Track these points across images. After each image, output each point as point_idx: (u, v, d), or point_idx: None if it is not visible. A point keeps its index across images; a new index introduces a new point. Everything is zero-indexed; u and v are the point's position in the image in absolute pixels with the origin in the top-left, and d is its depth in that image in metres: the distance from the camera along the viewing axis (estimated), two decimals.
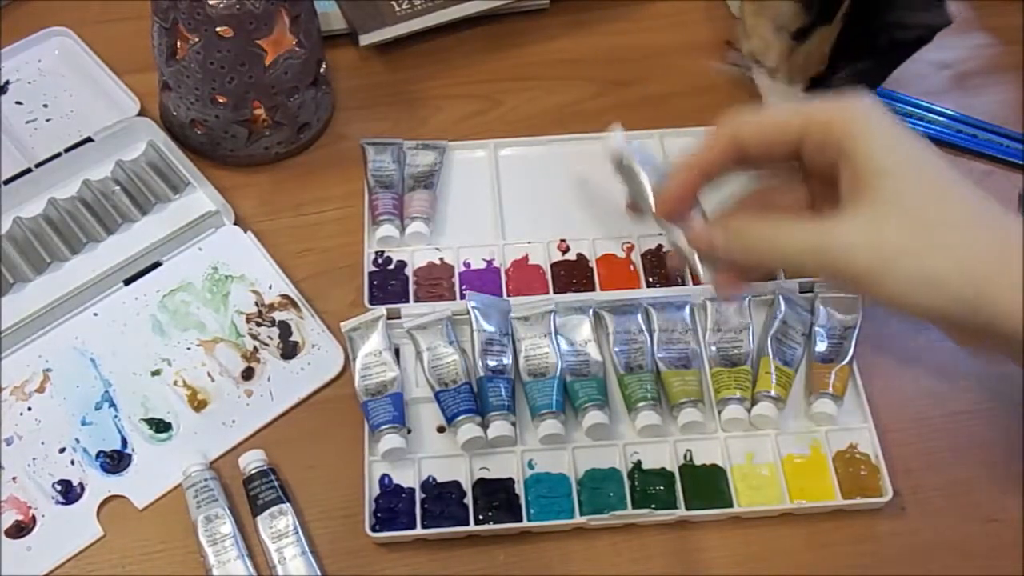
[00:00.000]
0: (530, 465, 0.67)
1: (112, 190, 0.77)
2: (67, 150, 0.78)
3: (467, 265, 0.75)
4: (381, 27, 0.84)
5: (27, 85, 0.83)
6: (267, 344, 0.71)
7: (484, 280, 0.74)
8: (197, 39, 0.71)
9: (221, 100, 0.75)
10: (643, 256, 0.75)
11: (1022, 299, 0.50)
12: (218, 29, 0.70)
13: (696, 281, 0.72)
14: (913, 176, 0.52)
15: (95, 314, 0.72)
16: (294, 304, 0.73)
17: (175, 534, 0.64)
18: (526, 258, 0.75)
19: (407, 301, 0.72)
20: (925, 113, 0.83)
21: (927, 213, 0.52)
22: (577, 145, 0.80)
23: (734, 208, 0.59)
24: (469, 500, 0.65)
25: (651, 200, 0.58)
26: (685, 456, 0.67)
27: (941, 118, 0.83)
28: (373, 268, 0.74)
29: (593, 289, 0.73)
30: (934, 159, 0.53)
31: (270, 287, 0.74)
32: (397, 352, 0.70)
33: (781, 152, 0.55)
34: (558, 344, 0.69)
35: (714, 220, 0.58)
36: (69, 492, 0.66)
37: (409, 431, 0.67)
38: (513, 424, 0.66)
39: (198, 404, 0.69)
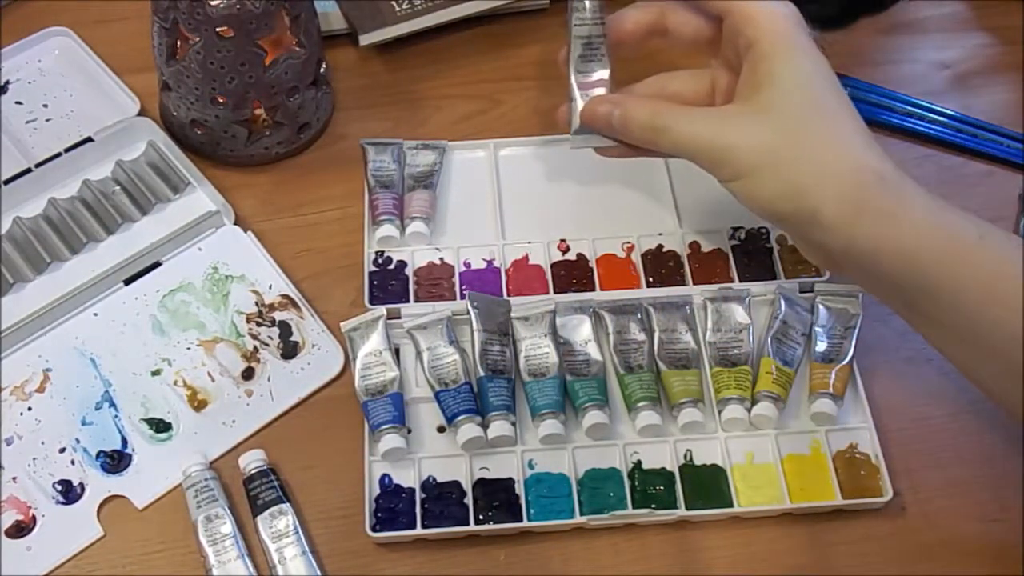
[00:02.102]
0: (530, 465, 0.67)
1: (112, 190, 0.77)
2: (67, 150, 0.78)
3: (467, 265, 0.75)
4: (381, 27, 0.84)
5: (27, 85, 0.83)
6: (267, 344, 0.71)
7: (484, 280, 0.74)
8: (197, 39, 0.71)
9: (221, 100, 0.75)
10: (643, 256, 0.75)
11: (848, 219, 0.56)
12: (218, 29, 0.70)
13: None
14: (800, 90, 0.56)
15: (95, 314, 0.72)
16: (294, 304, 0.73)
17: (175, 534, 0.64)
18: (526, 258, 0.75)
19: (407, 301, 0.72)
20: (925, 113, 0.83)
21: (804, 127, 0.56)
22: None
23: (635, 88, 0.64)
24: (469, 500, 0.65)
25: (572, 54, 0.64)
26: (685, 456, 0.67)
27: (941, 118, 0.83)
28: (373, 268, 0.74)
29: (593, 289, 0.73)
30: (824, 81, 0.57)
31: (270, 287, 0.74)
32: (397, 352, 0.70)
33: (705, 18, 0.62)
34: (558, 344, 0.69)
35: (611, 96, 0.63)
36: (69, 492, 0.66)
37: (409, 431, 0.67)
38: (513, 424, 0.66)
39: (198, 404, 0.69)
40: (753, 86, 0.58)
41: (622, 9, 0.65)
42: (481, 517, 0.64)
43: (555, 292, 0.73)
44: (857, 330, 0.70)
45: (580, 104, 0.65)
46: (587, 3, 0.65)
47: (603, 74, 0.66)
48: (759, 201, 0.58)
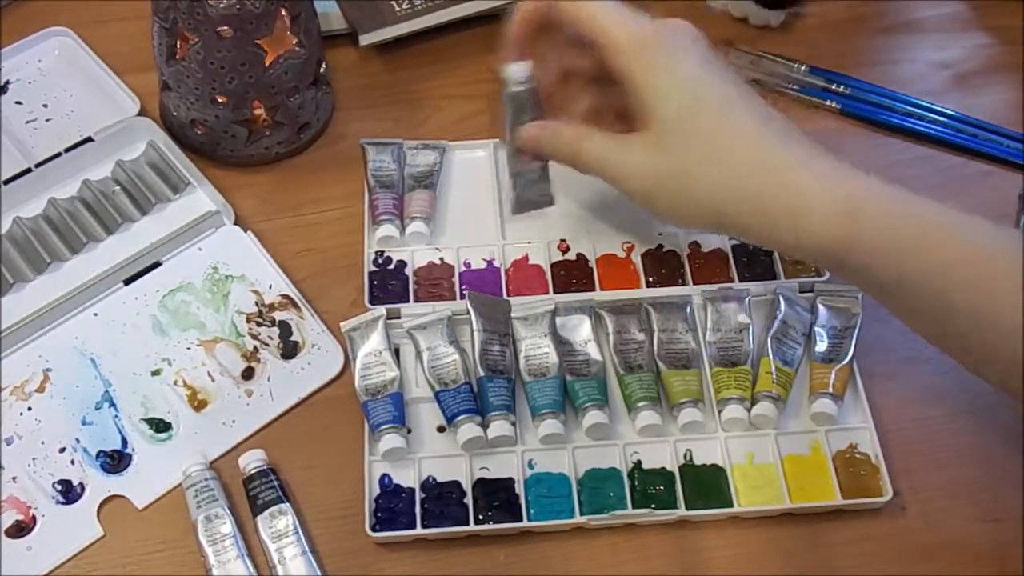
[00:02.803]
0: (530, 465, 0.67)
1: (112, 190, 0.77)
2: (67, 150, 0.78)
3: (467, 265, 0.75)
4: (381, 27, 0.84)
5: (27, 85, 0.83)
6: (267, 344, 0.71)
7: (484, 280, 0.74)
8: (197, 39, 0.71)
9: (221, 100, 0.75)
10: (643, 256, 0.75)
11: (759, 223, 0.57)
12: (218, 29, 0.70)
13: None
14: (679, 106, 0.57)
15: (95, 314, 0.72)
16: (294, 304, 0.73)
17: (175, 534, 0.64)
18: (526, 258, 0.75)
19: (407, 301, 0.72)
20: (925, 113, 0.83)
21: (689, 148, 0.57)
22: None
23: (569, 106, 0.65)
24: (469, 500, 0.65)
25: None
26: (685, 456, 0.67)
27: (941, 118, 0.83)
28: (373, 268, 0.74)
29: (593, 289, 0.73)
30: (706, 90, 0.58)
31: (270, 287, 0.74)
32: (397, 352, 0.70)
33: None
34: (558, 344, 0.69)
35: (542, 122, 0.65)
36: (69, 492, 0.66)
37: (409, 431, 0.67)
38: (513, 424, 0.66)
39: (198, 404, 0.69)
40: (637, 114, 0.59)
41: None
42: (481, 517, 0.64)
43: (555, 292, 0.73)
44: (857, 330, 0.70)
45: (512, 193, 0.70)
46: (513, 70, 0.65)
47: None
48: (674, 221, 0.61)
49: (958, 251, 0.54)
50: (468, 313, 0.70)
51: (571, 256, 0.75)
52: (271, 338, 0.72)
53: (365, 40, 0.83)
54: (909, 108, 0.83)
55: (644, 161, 0.59)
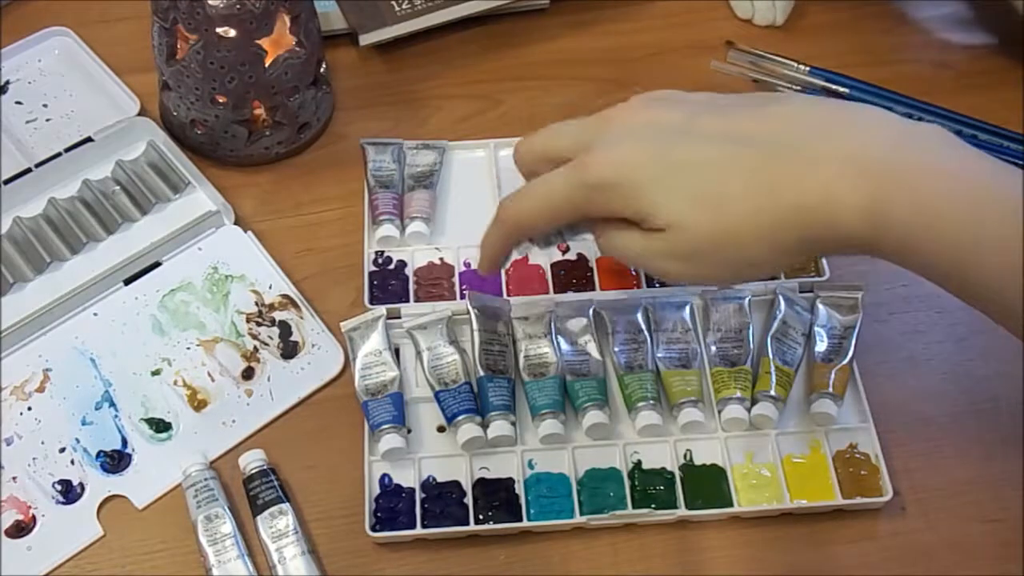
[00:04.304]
0: (530, 465, 0.67)
1: (112, 190, 0.77)
2: (67, 150, 0.78)
3: (467, 265, 0.75)
4: (381, 27, 0.84)
5: (27, 85, 0.83)
6: (267, 344, 0.71)
7: (484, 280, 0.74)
8: (197, 39, 0.71)
9: (221, 100, 0.75)
10: None
11: None
12: (218, 29, 0.70)
13: None
14: (693, 224, 0.54)
15: (95, 314, 0.72)
16: (294, 304, 0.73)
17: (175, 534, 0.64)
18: (526, 258, 0.75)
19: (407, 301, 0.72)
20: (925, 114, 0.83)
21: (714, 250, 0.55)
22: None
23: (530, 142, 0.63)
24: (469, 500, 0.65)
25: None
26: (685, 456, 0.67)
27: (941, 119, 0.82)
28: (373, 268, 0.74)
29: (593, 289, 0.73)
30: (674, 158, 0.54)
31: (270, 287, 0.74)
32: (397, 352, 0.70)
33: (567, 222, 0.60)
34: (558, 344, 0.69)
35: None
36: (69, 492, 0.66)
37: (409, 431, 0.67)
38: (513, 424, 0.66)
39: (198, 404, 0.69)
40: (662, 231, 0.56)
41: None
42: (481, 517, 0.64)
43: (555, 292, 0.73)
44: (857, 330, 0.70)
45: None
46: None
47: None
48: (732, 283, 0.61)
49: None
50: (468, 313, 0.70)
51: (571, 256, 0.75)
52: (271, 338, 0.72)
53: (365, 40, 0.83)
54: (909, 108, 0.83)
55: (676, 266, 0.57)
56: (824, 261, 0.73)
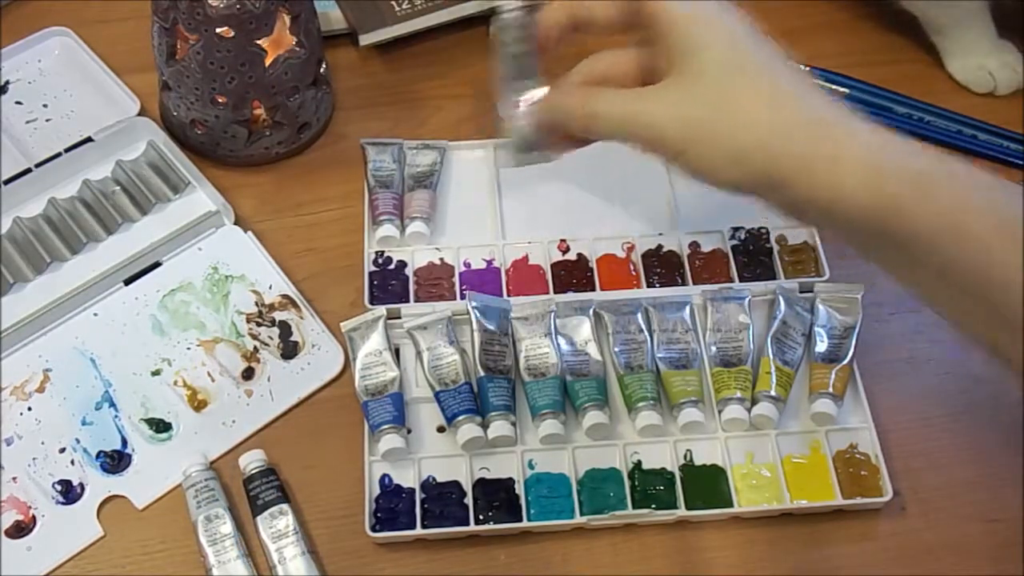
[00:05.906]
0: (530, 465, 0.67)
1: (112, 190, 0.77)
2: (67, 150, 0.78)
3: (467, 265, 0.75)
4: (381, 27, 0.84)
5: (27, 85, 0.83)
6: (267, 344, 0.71)
7: (484, 280, 0.74)
8: (197, 39, 0.71)
9: (221, 100, 0.75)
10: (643, 256, 0.75)
11: (817, 172, 0.52)
12: (218, 29, 0.70)
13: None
14: (720, 55, 0.54)
15: (95, 314, 0.72)
16: (294, 304, 0.73)
17: (175, 534, 0.64)
18: (526, 258, 0.75)
19: (407, 301, 0.72)
20: (925, 114, 0.83)
21: (732, 90, 0.53)
22: None
23: (567, 76, 0.61)
24: (469, 500, 0.65)
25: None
26: (685, 456, 0.67)
27: (941, 119, 0.83)
28: (373, 268, 0.74)
29: (593, 289, 0.73)
30: (746, 41, 0.55)
31: (270, 287, 0.74)
32: (397, 352, 0.70)
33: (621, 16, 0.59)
34: (558, 344, 0.69)
35: (543, 90, 0.61)
36: (69, 492, 0.66)
37: (409, 431, 0.67)
38: (513, 424, 0.66)
39: (198, 404, 0.69)
40: (673, 61, 0.56)
41: (539, 15, 0.63)
42: (481, 517, 0.64)
43: (555, 292, 0.73)
44: (857, 330, 0.70)
45: (522, 122, 0.64)
46: (510, 20, 0.63)
47: (537, 93, 0.63)
48: (707, 173, 0.55)
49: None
50: (468, 313, 0.70)
51: (571, 256, 0.75)
52: (271, 338, 0.72)
53: (365, 40, 0.83)
54: (909, 109, 0.83)
55: (679, 105, 0.55)
56: (824, 261, 0.73)
